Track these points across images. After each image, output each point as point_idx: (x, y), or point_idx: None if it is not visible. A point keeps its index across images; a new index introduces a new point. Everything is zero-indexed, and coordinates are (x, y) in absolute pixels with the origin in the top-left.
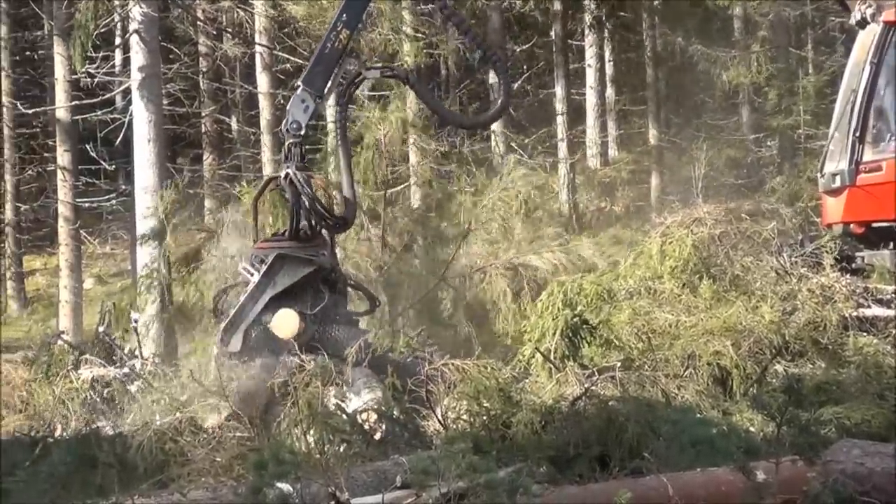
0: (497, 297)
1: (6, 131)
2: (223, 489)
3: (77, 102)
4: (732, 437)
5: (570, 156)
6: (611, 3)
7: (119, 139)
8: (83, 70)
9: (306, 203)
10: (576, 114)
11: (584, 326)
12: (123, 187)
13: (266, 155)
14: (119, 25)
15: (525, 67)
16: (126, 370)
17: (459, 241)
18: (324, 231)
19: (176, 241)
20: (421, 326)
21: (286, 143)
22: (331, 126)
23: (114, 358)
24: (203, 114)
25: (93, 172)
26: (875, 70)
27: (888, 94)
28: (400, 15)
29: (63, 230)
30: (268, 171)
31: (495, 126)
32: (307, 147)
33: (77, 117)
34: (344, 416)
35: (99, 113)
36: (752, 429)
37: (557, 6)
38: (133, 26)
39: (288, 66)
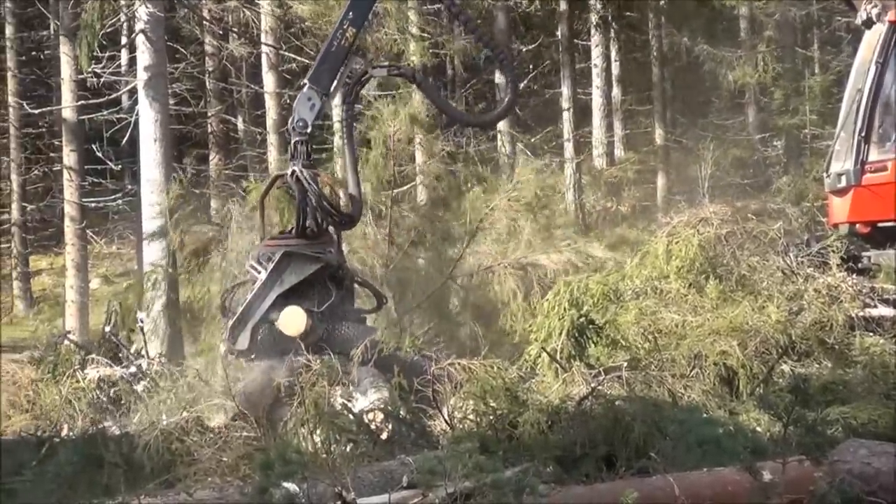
0: (507, 296)
1: (12, 131)
2: (229, 489)
3: (83, 102)
4: (739, 436)
5: (576, 155)
6: (617, 2)
7: (125, 139)
8: (89, 70)
9: (313, 200)
10: (582, 113)
11: (591, 326)
12: (130, 187)
13: (272, 154)
14: (125, 25)
15: (531, 67)
16: (132, 370)
17: (467, 240)
18: (330, 228)
19: (182, 238)
20: (428, 325)
21: (292, 141)
22: (337, 125)
23: (120, 355)
24: (209, 113)
25: (99, 172)
26: (880, 70)
27: (894, 94)
28: (406, 15)
29: (69, 230)
30: (274, 170)
31: (501, 125)
32: (313, 146)
33: (83, 117)
34: (350, 416)
35: (105, 113)
36: (758, 429)
37: (563, 6)
38: (139, 26)
39: (294, 65)
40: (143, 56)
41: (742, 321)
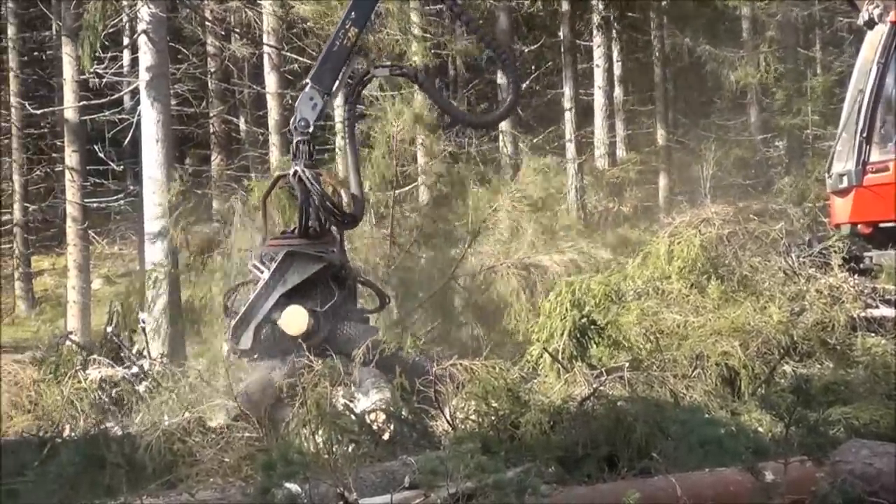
0: (510, 296)
1: (14, 131)
2: (231, 489)
3: (85, 103)
4: (741, 437)
5: (578, 156)
6: (619, 3)
7: (127, 139)
8: (91, 70)
9: (315, 200)
10: (584, 114)
11: (592, 327)
12: (131, 188)
13: (274, 155)
14: (127, 26)
15: (533, 68)
16: (134, 370)
17: (469, 240)
18: (333, 228)
19: (184, 235)
20: (429, 325)
21: (294, 141)
22: (339, 126)
23: (122, 355)
24: (211, 114)
25: (101, 173)
26: (882, 70)
27: (895, 95)
28: (407, 15)
29: (71, 230)
30: (276, 171)
31: (503, 126)
32: (315, 146)
33: (85, 118)
34: (352, 417)
35: (107, 113)
36: (760, 429)
37: (565, 6)
38: (141, 26)
39: (296, 66)
40: (145, 56)
41: (744, 322)
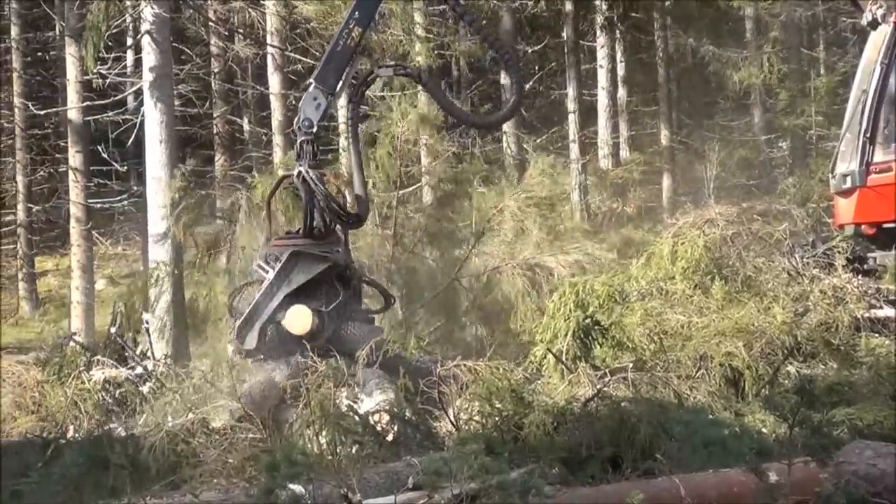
0: (516, 297)
1: (18, 132)
2: (235, 490)
3: (89, 103)
4: (745, 438)
5: (581, 156)
6: (622, 4)
7: (131, 140)
8: (95, 71)
9: (320, 201)
10: (587, 114)
11: (596, 327)
12: (135, 188)
13: (278, 156)
14: (131, 26)
15: (537, 68)
16: (138, 371)
17: (474, 241)
18: (337, 228)
19: (186, 231)
20: (433, 326)
21: (298, 141)
22: (342, 126)
23: (126, 355)
24: (215, 115)
25: (104, 173)
26: (886, 70)
27: None
28: (411, 15)
29: (75, 231)
30: (279, 171)
31: (507, 126)
32: (319, 147)
33: (89, 118)
34: (356, 418)
35: (110, 114)
36: (764, 430)
37: (569, 7)
38: (145, 27)
39: (300, 66)
40: (149, 57)
41: (748, 322)
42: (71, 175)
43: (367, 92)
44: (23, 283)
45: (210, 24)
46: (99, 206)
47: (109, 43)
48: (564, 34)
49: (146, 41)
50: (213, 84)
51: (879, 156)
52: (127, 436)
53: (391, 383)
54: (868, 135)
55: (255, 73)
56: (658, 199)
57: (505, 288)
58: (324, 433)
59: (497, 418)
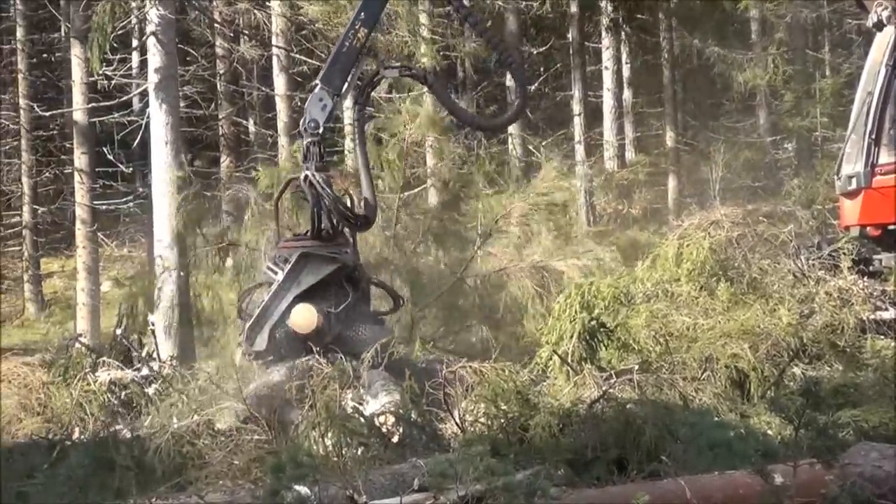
0: (525, 299)
1: (23, 133)
2: (241, 492)
3: (94, 105)
4: (750, 439)
5: (587, 158)
6: (628, 5)
7: (136, 141)
8: (100, 72)
9: (327, 204)
10: (593, 116)
11: (602, 329)
12: (140, 190)
13: (283, 157)
14: (136, 28)
15: (542, 69)
16: (144, 372)
17: (480, 242)
18: (345, 230)
19: (191, 226)
20: (439, 328)
21: (304, 143)
22: (348, 128)
23: (133, 355)
24: (220, 116)
25: (110, 175)
26: (891, 72)
27: None
28: (416, 17)
29: (80, 232)
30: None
31: (512, 128)
32: (325, 148)
33: (94, 119)
34: (361, 419)
35: (116, 115)
36: (769, 432)
37: (574, 8)
38: (150, 28)
39: (305, 68)
40: (154, 58)
41: (753, 324)
42: (76, 176)
43: (373, 93)
44: (28, 284)
45: (215, 25)
46: (104, 207)
47: (115, 44)
48: (570, 35)
49: (151, 42)
50: (218, 85)
51: (885, 157)
52: (132, 437)
53: (397, 385)
54: (873, 136)
55: (261, 75)
56: (663, 200)
57: (512, 290)
58: (329, 435)
59: (503, 420)
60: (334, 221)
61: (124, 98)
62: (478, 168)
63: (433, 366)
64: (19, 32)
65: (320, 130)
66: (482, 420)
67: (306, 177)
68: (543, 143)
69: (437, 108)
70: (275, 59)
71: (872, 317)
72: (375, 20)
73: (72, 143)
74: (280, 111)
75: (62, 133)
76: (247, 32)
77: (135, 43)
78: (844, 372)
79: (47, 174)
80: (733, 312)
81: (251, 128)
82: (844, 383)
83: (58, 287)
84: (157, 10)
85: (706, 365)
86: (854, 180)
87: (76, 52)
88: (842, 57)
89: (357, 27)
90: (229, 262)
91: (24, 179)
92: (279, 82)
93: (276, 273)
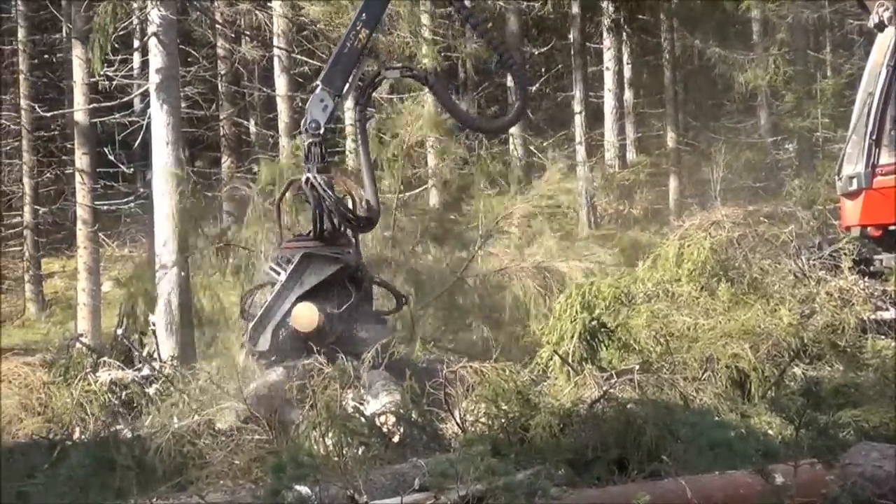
0: (527, 299)
1: (25, 134)
2: (241, 492)
3: (95, 105)
4: (751, 439)
5: (588, 158)
6: (629, 6)
7: (137, 142)
8: (101, 73)
9: (329, 207)
10: (594, 116)
11: (602, 329)
12: (141, 190)
13: (284, 157)
14: (137, 28)
15: (543, 70)
16: (145, 372)
17: (480, 242)
18: (348, 231)
19: (190, 220)
20: (440, 327)
21: (306, 143)
22: (349, 129)
23: (133, 355)
24: (221, 117)
25: (111, 175)
26: (892, 73)
27: None
28: (418, 17)
29: (81, 233)
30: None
31: (513, 129)
32: (327, 148)
33: (95, 120)
34: (362, 419)
35: (117, 116)
36: (770, 432)
37: (575, 9)
38: (151, 29)
39: (306, 68)
40: (156, 59)
41: (754, 324)
42: (77, 177)
43: (374, 94)
44: (29, 284)
45: (217, 26)
46: (105, 207)
47: (116, 45)
48: (571, 36)
49: (153, 43)
50: (219, 86)
51: (885, 158)
52: (133, 437)
53: (397, 385)
54: (874, 137)
55: (262, 75)
56: (664, 201)
57: (513, 290)
58: (330, 435)
59: (503, 420)
60: (335, 223)
61: (125, 99)
62: (479, 168)
63: (434, 366)
64: (21, 33)
65: (321, 131)
66: (483, 420)
67: (308, 179)
68: (545, 144)
69: (438, 109)
70: (276, 60)
71: (873, 317)
72: (377, 21)
73: (73, 144)
74: (281, 112)
75: (63, 133)
76: (248, 33)
77: (136, 43)
78: (845, 372)
79: (48, 174)
80: (734, 312)
81: (252, 128)
82: (845, 383)
83: (59, 287)
84: (159, 10)
85: (707, 365)
86: (855, 181)
87: (77, 52)
88: (843, 57)
89: (358, 28)
90: (230, 261)
91: (26, 180)
92: (280, 83)
93: (278, 273)
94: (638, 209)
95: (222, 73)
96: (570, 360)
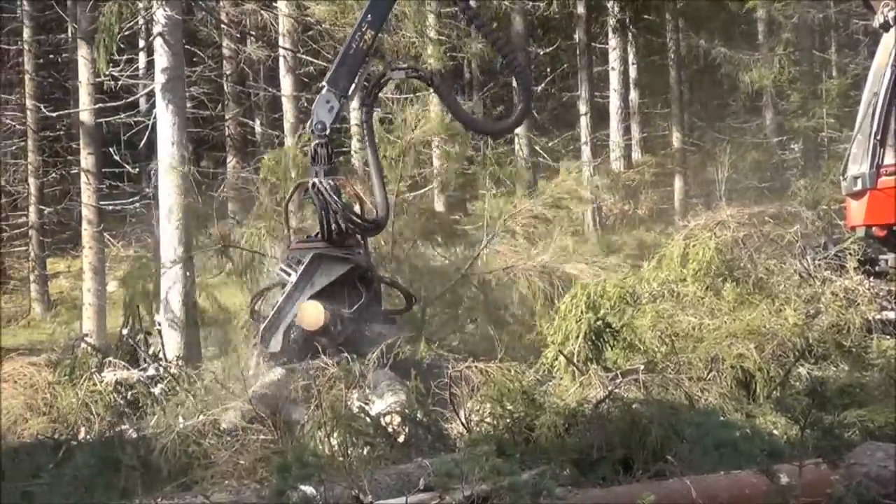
0: (533, 298)
1: (30, 134)
2: (246, 492)
3: (101, 105)
4: (756, 439)
5: (593, 159)
6: (634, 6)
7: (143, 142)
8: (107, 73)
9: (336, 213)
10: (599, 117)
11: (608, 329)
12: (147, 190)
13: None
14: (143, 28)
15: (548, 70)
16: (150, 372)
17: (486, 241)
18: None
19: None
20: (442, 326)
21: (312, 145)
22: (354, 129)
23: (140, 352)
24: (227, 117)
25: (116, 175)
26: None
27: None
28: (423, 18)
29: (87, 233)
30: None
31: (519, 129)
32: (333, 149)
33: (101, 120)
34: (368, 419)
35: (123, 116)
36: (775, 432)
37: (581, 9)
38: (157, 29)
39: (311, 68)
40: (161, 59)
41: (759, 324)
42: (83, 177)
43: (380, 94)
44: (35, 284)
45: (222, 26)
46: (111, 207)
47: (122, 45)
48: (576, 36)
49: (158, 43)
50: (225, 86)
51: (890, 158)
52: (138, 437)
53: (402, 385)
54: (878, 137)
55: (267, 75)
56: (670, 201)
57: (521, 288)
58: (335, 435)
59: (508, 420)
60: (342, 226)
61: (131, 99)
62: (483, 167)
63: (439, 364)
64: (26, 33)
65: (327, 132)
66: (488, 420)
67: (314, 185)
68: (550, 144)
69: (444, 110)
70: (281, 60)
71: (878, 317)
72: (382, 22)
73: (78, 144)
74: (286, 112)
75: (69, 134)
76: (253, 33)
77: (142, 44)
78: (850, 372)
79: (54, 175)
80: (739, 313)
81: (258, 128)
82: (850, 383)
83: (64, 287)
84: (164, 10)
85: (712, 365)
86: (860, 181)
87: (83, 52)
88: (848, 57)
89: (364, 29)
90: (235, 260)
91: (31, 180)
92: (286, 83)
93: (289, 274)
94: (643, 209)
95: (228, 73)
96: (575, 360)
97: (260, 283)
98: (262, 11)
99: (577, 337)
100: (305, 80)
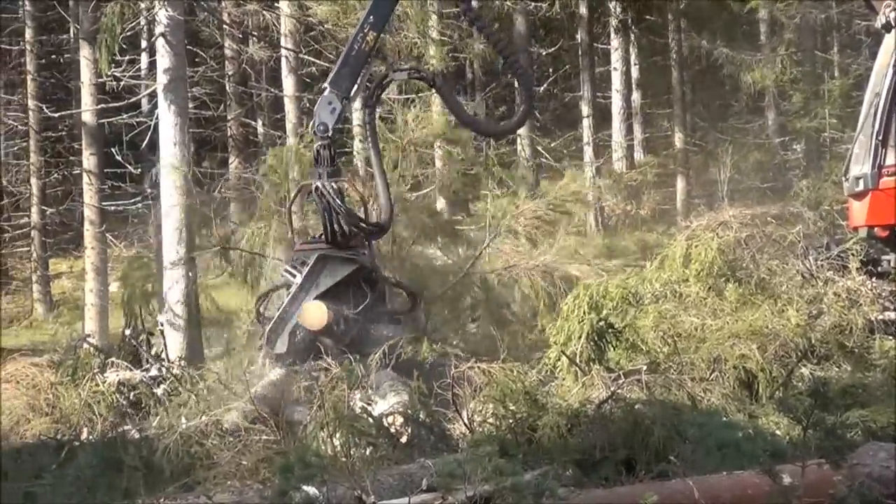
0: (537, 299)
1: (32, 135)
2: (249, 492)
3: (103, 106)
4: (758, 440)
5: (595, 159)
6: (637, 6)
7: (145, 142)
8: (109, 73)
9: (339, 217)
10: (601, 117)
11: (610, 330)
12: (149, 190)
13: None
14: (145, 29)
15: (551, 71)
16: (153, 372)
17: (487, 242)
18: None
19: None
20: (449, 328)
21: (315, 147)
22: (356, 130)
23: (142, 352)
24: (229, 117)
25: (119, 176)
26: None
27: None
28: (426, 18)
29: (89, 233)
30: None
31: (521, 130)
32: (336, 150)
33: (103, 120)
34: (370, 420)
35: (125, 116)
36: (778, 432)
37: (583, 10)
38: (159, 29)
39: (314, 69)
40: (163, 59)
41: (761, 325)
42: (85, 178)
43: (382, 95)
44: (37, 285)
45: (224, 26)
46: (113, 208)
47: (124, 45)
48: (578, 37)
49: (160, 44)
50: (227, 86)
51: (892, 159)
52: (141, 438)
53: (405, 385)
54: (880, 138)
55: (270, 76)
56: (672, 201)
57: (523, 288)
58: (338, 435)
59: (511, 420)
60: (345, 228)
61: (133, 99)
62: (485, 168)
63: (442, 364)
64: (28, 34)
65: (329, 133)
66: (490, 420)
67: (317, 188)
68: (553, 144)
69: (445, 111)
70: (283, 61)
71: (881, 317)
72: (384, 23)
73: (80, 145)
74: (289, 112)
75: (71, 134)
76: (255, 34)
77: (144, 44)
78: (853, 372)
79: (56, 175)
80: (741, 313)
81: (260, 129)
82: (853, 384)
83: (66, 288)
84: (166, 11)
85: (714, 365)
86: (861, 181)
87: (85, 53)
88: (850, 58)
89: (366, 30)
90: (236, 261)
91: (33, 180)
92: (288, 83)
93: (294, 276)
94: (645, 210)
95: (230, 73)
96: (577, 361)
97: (261, 284)
98: (264, 12)
99: (580, 337)
100: (307, 80)
